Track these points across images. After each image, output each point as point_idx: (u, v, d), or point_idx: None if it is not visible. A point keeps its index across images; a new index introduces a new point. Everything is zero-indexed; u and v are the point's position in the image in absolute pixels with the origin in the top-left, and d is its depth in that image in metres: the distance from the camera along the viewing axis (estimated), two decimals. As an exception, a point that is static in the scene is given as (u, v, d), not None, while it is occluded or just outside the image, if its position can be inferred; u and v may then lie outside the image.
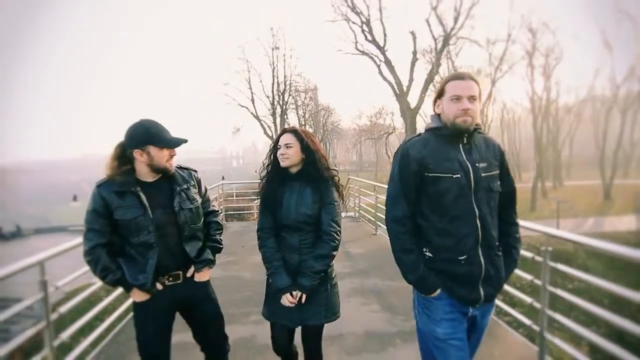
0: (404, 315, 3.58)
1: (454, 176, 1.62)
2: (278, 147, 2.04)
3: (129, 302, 3.24)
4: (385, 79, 21.49)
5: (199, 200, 2.04)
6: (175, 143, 1.87)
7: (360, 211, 9.14)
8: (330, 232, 1.98)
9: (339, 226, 2.01)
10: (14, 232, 26.58)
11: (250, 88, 25.80)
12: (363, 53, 21.83)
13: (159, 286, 1.86)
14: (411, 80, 20.97)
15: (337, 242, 2.00)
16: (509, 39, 28.05)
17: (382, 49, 20.89)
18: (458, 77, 1.68)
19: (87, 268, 2.27)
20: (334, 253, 2.00)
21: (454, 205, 1.62)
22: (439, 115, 1.71)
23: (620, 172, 36.39)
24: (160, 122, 1.89)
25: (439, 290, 1.67)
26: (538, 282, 2.66)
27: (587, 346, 5.07)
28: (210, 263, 2.04)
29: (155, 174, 1.91)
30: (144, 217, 1.82)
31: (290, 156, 2.00)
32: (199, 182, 2.09)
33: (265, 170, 2.13)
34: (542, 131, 36.49)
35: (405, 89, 20.99)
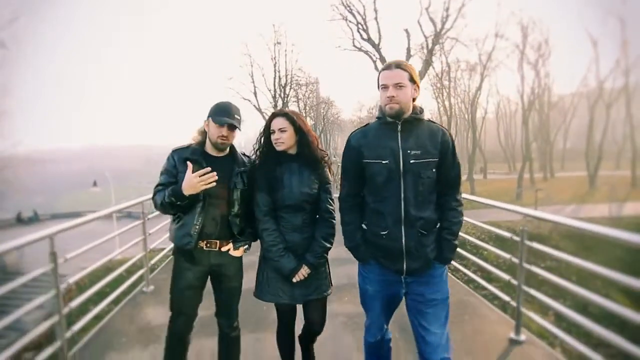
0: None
1: (383, 162, 1.77)
2: (271, 131, 2.05)
3: (128, 282, 3.62)
4: (380, 74, 23.00)
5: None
6: (220, 121, 1.98)
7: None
8: (330, 209, 2.08)
9: (334, 204, 2.11)
10: (32, 217, 28.53)
11: (253, 82, 27.13)
12: (360, 50, 23.10)
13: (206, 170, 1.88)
14: (405, 75, 22.44)
15: (335, 219, 2.10)
16: (497, 36, 29.33)
17: (377, 47, 22.16)
18: (386, 67, 1.79)
19: (94, 244, 2.99)
20: (335, 230, 2.11)
21: (384, 187, 1.79)
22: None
23: (612, 164, 37.76)
24: (234, 106, 2.06)
25: (368, 260, 1.93)
26: (515, 260, 2.87)
27: (553, 315, 5.47)
28: (248, 244, 2.15)
29: (217, 150, 2.07)
30: None
31: (285, 140, 2.02)
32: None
33: (257, 154, 2.14)
34: (531, 124, 37.92)
35: (399, 84, 22.45)
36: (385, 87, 1.76)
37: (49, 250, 2.50)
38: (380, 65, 22.93)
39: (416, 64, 22.27)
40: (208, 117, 2.05)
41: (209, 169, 1.89)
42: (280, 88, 27.63)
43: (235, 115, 2.03)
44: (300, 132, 2.05)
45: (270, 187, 2.04)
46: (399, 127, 1.78)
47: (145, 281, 3.87)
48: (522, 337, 2.84)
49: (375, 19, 22.14)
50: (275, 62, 27.39)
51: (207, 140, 2.09)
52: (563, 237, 18.09)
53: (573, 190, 31.46)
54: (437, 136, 1.80)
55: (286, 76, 27.83)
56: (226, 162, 2.09)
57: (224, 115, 2.00)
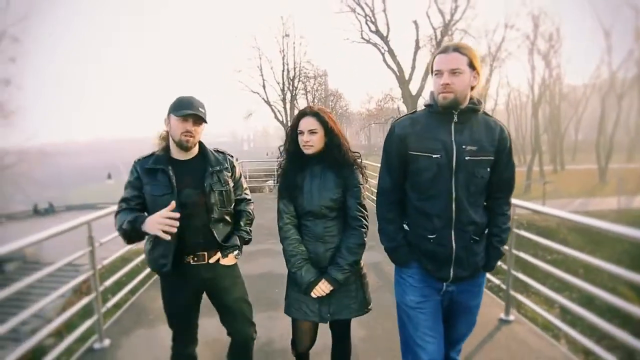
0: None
1: (434, 156, 1.57)
2: (299, 132, 1.87)
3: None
4: (389, 66, 22.79)
5: (231, 184, 1.97)
6: (182, 113, 1.77)
7: (366, 192, 10.02)
8: (358, 217, 1.85)
9: (366, 210, 1.89)
10: (48, 208, 29.41)
11: (262, 75, 27.32)
12: (368, 42, 23.07)
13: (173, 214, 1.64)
14: (413, 68, 22.16)
15: (366, 227, 1.87)
16: (507, 27, 29.09)
17: (385, 39, 22.24)
18: (442, 50, 1.59)
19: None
20: (365, 240, 1.87)
21: (432, 184, 1.59)
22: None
23: (624, 157, 37.38)
24: (197, 101, 1.84)
25: (410, 263, 1.71)
26: (506, 247, 2.93)
27: (535, 295, 5.63)
28: (237, 249, 1.96)
29: (182, 150, 1.86)
30: (170, 195, 1.78)
31: (315, 143, 1.85)
32: (232, 166, 2.02)
33: (284, 156, 1.99)
34: (542, 116, 37.70)
35: (407, 76, 22.35)
36: (439, 72, 1.56)
37: (87, 234, 2.81)
38: (389, 58, 23.34)
39: (425, 55, 22.35)
40: (168, 113, 1.84)
41: (177, 215, 1.63)
42: (288, 81, 27.85)
43: (199, 108, 1.82)
44: (331, 134, 1.87)
45: (291, 193, 1.90)
46: (455, 117, 1.58)
47: (97, 335, 3.85)
48: (511, 317, 3.10)
49: (384, 11, 22.29)
50: (284, 55, 27.59)
51: (171, 142, 1.87)
52: (571, 231, 18.10)
53: (583, 183, 31.24)
54: (495, 132, 1.62)
55: (294, 69, 28.02)
56: (196, 164, 1.91)
57: (187, 107, 1.79)
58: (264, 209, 3.83)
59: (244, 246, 2.04)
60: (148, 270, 3.57)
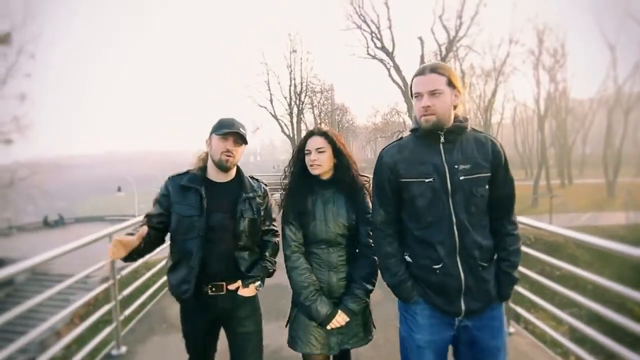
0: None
1: (426, 180, 1.51)
2: (306, 152, 1.81)
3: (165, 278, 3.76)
4: (394, 81, 23.26)
5: (262, 213, 1.92)
6: (223, 132, 1.77)
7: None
8: (371, 244, 1.77)
9: None
10: (58, 220, 29.86)
11: (269, 89, 27.76)
12: (374, 57, 23.56)
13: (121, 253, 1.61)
14: (419, 82, 22.89)
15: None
16: (512, 42, 29.41)
17: (390, 55, 22.69)
18: (419, 72, 1.54)
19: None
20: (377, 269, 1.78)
21: (428, 210, 1.52)
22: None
23: (632, 170, 37.08)
24: (238, 122, 1.83)
25: (415, 298, 1.58)
26: None
27: (543, 311, 5.92)
28: (259, 280, 1.88)
29: (221, 171, 1.83)
30: (198, 217, 1.75)
31: (323, 162, 1.77)
32: (265, 195, 1.97)
33: (289, 178, 1.89)
34: (549, 130, 37.71)
35: (413, 91, 22.93)
36: (419, 95, 1.52)
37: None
38: (394, 73, 23.65)
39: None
40: (211, 133, 1.84)
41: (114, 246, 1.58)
42: (295, 95, 28.25)
43: (241, 128, 1.81)
44: (340, 155, 1.81)
45: (301, 219, 1.80)
46: (442, 138, 1.53)
47: (115, 341, 3.99)
48: (511, 329, 3.12)
49: (389, 27, 22.77)
50: (291, 70, 28.07)
51: (210, 164, 1.86)
52: (579, 247, 18.05)
53: (591, 197, 31.07)
54: (487, 146, 1.55)
55: (301, 84, 28.43)
56: (231, 188, 1.87)
57: (227, 127, 1.79)
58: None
59: (275, 270, 1.98)
60: (162, 280, 3.70)
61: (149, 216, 1.83)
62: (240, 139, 1.82)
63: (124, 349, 3.02)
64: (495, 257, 1.59)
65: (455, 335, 1.58)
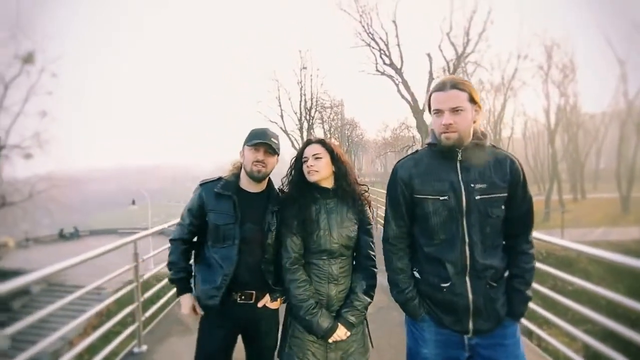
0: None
1: (441, 198, 1.48)
2: (304, 159, 1.79)
3: None
4: (403, 97, 23.55)
5: None
6: (255, 143, 1.77)
7: (378, 218, 8.95)
8: (371, 256, 1.78)
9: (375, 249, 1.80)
10: (73, 233, 30.58)
11: (280, 105, 28.33)
12: (383, 74, 23.86)
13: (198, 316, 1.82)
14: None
15: (377, 268, 1.80)
16: (520, 57, 29.64)
17: (399, 71, 23.01)
18: (439, 87, 1.50)
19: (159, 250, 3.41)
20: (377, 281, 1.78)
21: (441, 228, 1.49)
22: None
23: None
24: (271, 132, 1.85)
25: (422, 316, 1.57)
26: None
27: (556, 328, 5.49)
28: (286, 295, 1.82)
29: (253, 181, 1.83)
30: (233, 225, 1.75)
31: (320, 169, 1.75)
32: None
33: (289, 187, 1.86)
34: (561, 144, 37.52)
35: (421, 106, 23.01)
36: (439, 112, 1.48)
37: (133, 251, 3.24)
38: (403, 89, 23.94)
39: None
40: (244, 144, 1.85)
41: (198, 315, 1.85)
42: (305, 111, 28.65)
43: (272, 139, 1.83)
44: (338, 163, 1.80)
45: (303, 229, 1.75)
46: (459, 155, 1.49)
47: (137, 340, 3.75)
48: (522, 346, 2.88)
49: (397, 45, 23.10)
50: (301, 86, 28.53)
51: (242, 173, 1.87)
52: (591, 261, 17.83)
53: (604, 212, 30.58)
54: (505, 165, 1.51)
55: (311, 99, 28.81)
56: (261, 200, 1.86)
57: (259, 137, 1.80)
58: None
59: None
60: None
61: (181, 225, 1.89)
62: (271, 150, 1.83)
63: (144, 347, 3.23)
64: (506, 274, 1.55)
65: (469, 355, 1.54)
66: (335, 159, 1.81)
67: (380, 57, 23.53)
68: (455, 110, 1.46)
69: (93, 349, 2.91)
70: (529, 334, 3.21)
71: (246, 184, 1.88)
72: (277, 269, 1.84)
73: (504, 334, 1.52)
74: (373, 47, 23.63)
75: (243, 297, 1.82)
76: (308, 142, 1.86)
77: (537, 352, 3.05)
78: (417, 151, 1.66)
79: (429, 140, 1.60)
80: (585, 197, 39.24)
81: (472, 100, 1.49)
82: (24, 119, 21.89)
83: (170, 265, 1.86)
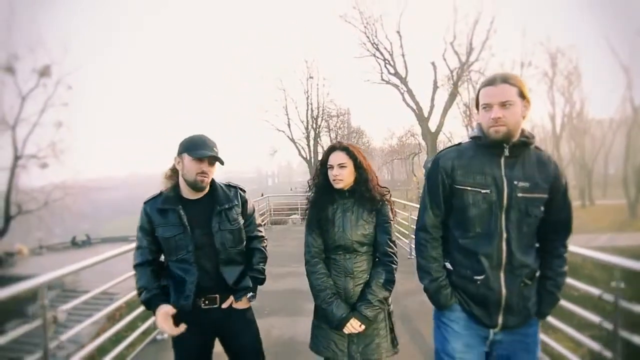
0: (431, 344, 2.96)
1: (483, 191, 1.48)
2: (329, 166, 1.90)
3: None
4: (408, 105, 23.83)
5: (241, 221, 1.90)
6: (199, 154, 1.74)
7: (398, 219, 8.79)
8: (389, 252, 1.84)
9: (396, 246, 1.87)
10: (85, 240, 31.25)
11: (287, 114, 28.86)
12: (388, 83, 24.14)
13: (181, 328, 1.73)
14: (432, 106, 23.14)
15: (396, 264, 1.85)
16: (524, 65, 29.69)
17: (404, 80, 23.30)
18: (489, 82, 1.50)
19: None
20: (395, 277, 1.84)
21: (479, 222, 1.49)
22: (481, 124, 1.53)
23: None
24: (210, 141, 1.82)
25: (452, 305, 1.57)
26: (609, 325, 2.28)
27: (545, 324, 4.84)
28: (250, 291, 1.88)
29: (194, 191, 1.82)
30: (183, 235, 1.76)
31: (345, 177, 1.86)
32: (244, 202, 1.95)
33: (312, 190, 1.99)
34: (569, 150, 37.48)
35: (426, 114, 23.14)
36: (488, 106, 1.48)
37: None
38: (408, 98, 24.14)
39: (443, 95, 23.28)
40: (182, 152, 1.79)
41: (178, 330, 1.73)
42: (312, 119, 29.12)
43: (214, 148, 1.81)
44: (360, 169, 1.90)
45: (321, 227, 1.90)
46: (506, 151, 1.49)
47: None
48: None
49: (402, 55, 23.45)
50: (308, 96, 29.02)
51: (182, 182, 1.84)
52: (597, 267, 17.82)
53: (612, 218, 30.44)
54: (549, 168, 1.51)
55: (318, 108, 29.30)
56: (205, 203, 1.85)
57: (203, 148, 1.77)
58: (290, 238, 4.31)
59: (265, 278, 1.97)
60: None
61: (140, 248, 1.85)
62: (214, 160, 1.82)
63: (165, 334, 3.51)
64: (538, 274, 1.56)
65: (489, 350, 1.56)
66: (357, 165, 1.90)
67: (385, 66, 23.94)
68: (504, 105, 1.46)
69: (132, 326, 3.22)
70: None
71: (187, 193, 1.85)
72: (239, 266, 1.89)
73: (527, 332, 1.55)
74: (378, 57, 24.03)
75: (207, 302, 1.83)
76: (333, 149, 1.94)
77: (542, 357, 2.88)
78: (460, 143, 1.65)
79: (474, 133, 1.59)
80: (594, 203, 38.96)
81: (522, 95, 1.48)
82: (40, 129, 22.66)
83: (141, 289, 1.80)
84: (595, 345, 2.41)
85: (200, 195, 1.86)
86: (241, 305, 1.88)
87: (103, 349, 3.10)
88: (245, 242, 1.94)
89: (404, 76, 23.37)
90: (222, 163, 1.84)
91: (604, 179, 46.12)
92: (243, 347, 1.91)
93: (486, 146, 1.52)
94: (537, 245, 1.57)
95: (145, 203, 1.85)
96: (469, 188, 1.51)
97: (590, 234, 24.60)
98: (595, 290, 2.42)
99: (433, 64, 23.59)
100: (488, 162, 1.51)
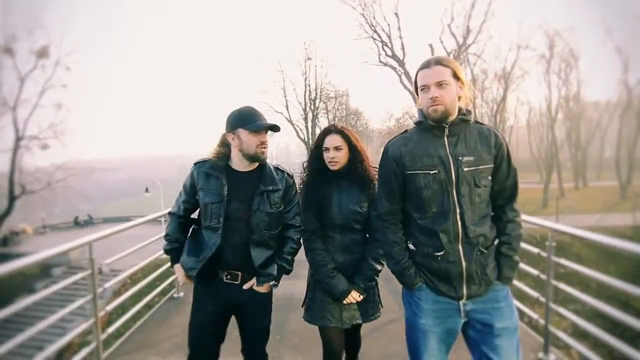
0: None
1: (432, 172, 1.55)
2: (325, 149, 1.95)
3: (160, 288, 3.84)
4: (405, 87, 24.13)
5: (282, 206, 1.87)
6: (259, 126, 1.74)
7: None
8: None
9: None
10: (87, 220, 31.84)
11: (285, 96, 29.08)
12: (385, 65, 24.26)
13: (186, 280, 1.84)
14: (429, 88, 23.61)
15: None
16: (520, 47, 29.60)
17: (401, 62, 23.44)
18: (424, 65, 1.57)
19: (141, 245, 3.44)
20: None
21: (434, 201, 1.57)
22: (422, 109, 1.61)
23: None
24: (257, 110, 1.81)
25: (419, 285, 1.63)
26: (543, 276, 2.71)
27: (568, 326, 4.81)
28: (273, 279, 1.85)
29: (249, 163, 1.82)
30: (219, 204, 1.76)
31: (340, 159, 1.93)
32: (288, 188, 1.91)
33: (307, 171, 2.05)
34: (565, 132, 37.74)
35: (423, 96, 23.63)
36: (425, 87, 1.55)
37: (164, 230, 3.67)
38: (405, 80, 24.22)
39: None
40: (235, 128, 1.78)
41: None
42: (310, 101, 29.29)
43: (266, 118, 1.83)
44: (354, 150, 1.98)
45: (318, 206, 1.98)
46: (446, 130, 1.57)
47: (175, 288, 4.16)
48: (551, 356, 2.72)
49: (400, 37, 23.44)
50: (306, 77, 29.17)
51: (236, 153, 1.83)
52: (585, 245, 18.26)
53: (602, 200, 31.00)
54: (490, 139, 1.59)
55: (316, 90, 29.42)
56: (251, 178, 1.84)
57: (258, 119, 1.78)
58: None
59: (292, 270, 1.95)
60: (156, 291, 3.83)
61: (177, 201, 1.96)
62: (272, 129, 1.85)
63: (182, 293, 4.03)
64: (495, 242, 1.64)
65: (466, 320, 1.61)
66: (352, 147, 1.98)
67: (383, 48, 23.96)
68: (440, 85, 1.53)
69: (153, 284, 3.57)
70: (520, 314, 3.00)
71: (237, 164, 1.85)
72: (269, 250, 1.87)
73: (497, 298, 1.60)
74: (376, 39, 24.03)
75: (229, 277, 1.82)
76: (328, 131, 2.00)
77: (527, 330, 3.08)
78: (406, 131, 1.72)
79: (417, 119, 1.66)
80: (587, 185, 39.47)
81: (456, 76, 1.56)
82: (40, 110, 22.80)
83: (165, 236, 1.95)
84: (534, 293, 2.88)
85: (250, 168, 1.86)
86: (262, 289, 1.87)
87: (124, 307, 3.53)
88: (280, 228, 1.92)
89: (401, 58, 23.44)
90: (278, 130, 1.87)
91: (599, 161, 46.54)
92: (258, 330, 1.96)
93: (429, 129, 1.60)
94: (492, 214, 1.66)
95: (195, 164, 1.90)
96: (418, 172, 1.58)
97: (581, 215, 25.21)
98: (534, 249, 2.91)
99: (430, 45, 23.74)
100: (432, 144, 1.58)
